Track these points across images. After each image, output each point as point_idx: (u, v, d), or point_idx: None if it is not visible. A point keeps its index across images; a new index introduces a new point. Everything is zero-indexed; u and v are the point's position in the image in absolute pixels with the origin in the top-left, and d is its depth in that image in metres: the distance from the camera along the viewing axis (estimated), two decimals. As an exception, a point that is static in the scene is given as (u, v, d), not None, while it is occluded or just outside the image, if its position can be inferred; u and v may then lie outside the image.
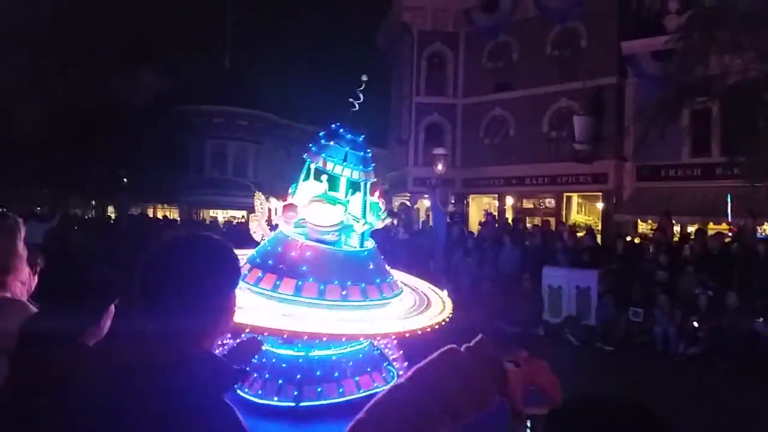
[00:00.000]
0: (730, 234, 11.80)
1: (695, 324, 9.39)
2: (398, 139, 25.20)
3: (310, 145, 5.96)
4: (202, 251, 1.43)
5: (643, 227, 17.77)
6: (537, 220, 18.85)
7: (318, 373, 5.51)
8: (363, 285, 5.55)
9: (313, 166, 5.96)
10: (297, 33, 46.18)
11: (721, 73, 11.50)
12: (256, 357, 5.21)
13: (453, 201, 20.22)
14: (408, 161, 24.24)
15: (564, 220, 19.26)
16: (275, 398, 5.32)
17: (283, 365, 5.58)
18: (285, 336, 5.12)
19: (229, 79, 32.10)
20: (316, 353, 5.62)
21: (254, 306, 5.18)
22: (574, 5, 19.74)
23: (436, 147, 20.06)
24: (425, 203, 22.85)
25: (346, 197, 5.99)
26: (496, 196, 22.72)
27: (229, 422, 1.28)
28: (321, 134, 5.95)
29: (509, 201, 22.23)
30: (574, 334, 10.56)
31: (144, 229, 17.24)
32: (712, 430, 5.83)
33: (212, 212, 31.91)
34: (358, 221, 5.82)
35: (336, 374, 5.54)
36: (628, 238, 14.21)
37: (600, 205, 19.96)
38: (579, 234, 12.96)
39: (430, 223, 16.36)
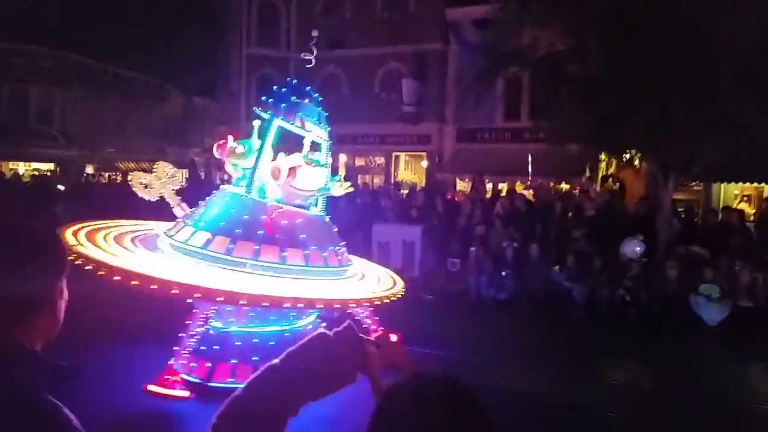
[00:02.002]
0: (530, 192, 13.13)
1: (503, 273, 10.43)
2: (228, 92, 24.15)
3: (277, 101, 5.50)
4: (16, 239, 1.28)
5: (461, 185, 19.14)
6: (368, 178, 19.39)
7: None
8: (334, 248, 5.59)
9: (279, 124, 5.51)
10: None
11: (532, 45, 12.49)
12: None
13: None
14: (239, 115, 23.39)
15: (392, 178, 20.07)
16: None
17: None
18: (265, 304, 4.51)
19: (34, 14, 28.12)
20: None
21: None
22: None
23: (268, 101, 19.47)
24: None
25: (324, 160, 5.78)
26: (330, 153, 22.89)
27: (52, 424, 1.16)
28: (284, 90, 5.56)
29: (342, 158, 22.54)
30: (400, 285, 11.17)
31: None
32: (514, 366, 6.59)
33: (12, 164, 28.19)
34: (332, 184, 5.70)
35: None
36: (448, 196, 15.21)
37: (424, 164, 21.09)
38: (403, 192, 13.58)
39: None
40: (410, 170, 22.41)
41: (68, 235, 4.88)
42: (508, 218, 11.41)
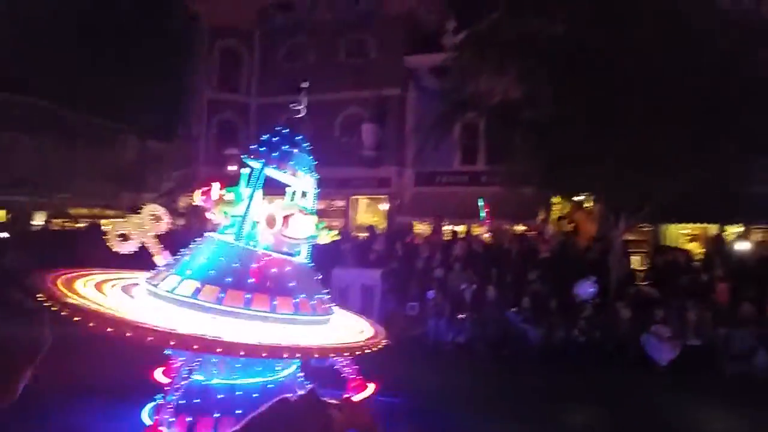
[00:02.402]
0: (487, 235, 13.35)
1: (461, 316, 10.50)
2: (187, 135, 24.07)
3: (269, 150, 5.46)
4: None
5: (421, 228, 19.32)
6: (327, 222, 19.36)
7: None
8: (320, 296, 5.51)
9: (270, 173, 5.53)
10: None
11: (487, 92, 12.90)
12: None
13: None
14: (198, 159, 23.28)
15: (352, 221, 20.14)
16: None
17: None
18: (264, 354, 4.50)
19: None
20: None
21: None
22: (365, 16, 20.74)
23: (229, 146, 19.57)
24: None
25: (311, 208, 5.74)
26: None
27: None
28: (276, 139, 5.54)
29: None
30: (359, 330, 11.11)
31: None
32: (472, 412, 6.58)
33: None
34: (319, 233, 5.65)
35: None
36: (407, 240, 15.32)
37: (384, 207, 21.24)
38: (362, 235, 13.61)
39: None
40: (370, 213, 22.52)
41: (53, 283, 4.79)
42: (467, 261, 11.55)
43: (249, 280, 5.00)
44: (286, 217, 5.27)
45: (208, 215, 5.83)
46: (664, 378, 8.79)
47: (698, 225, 15.47)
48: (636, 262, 12.54)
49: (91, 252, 6.97)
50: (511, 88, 12.40)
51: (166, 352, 5.28)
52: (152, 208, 6.08)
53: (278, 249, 5.39)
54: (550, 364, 9.26)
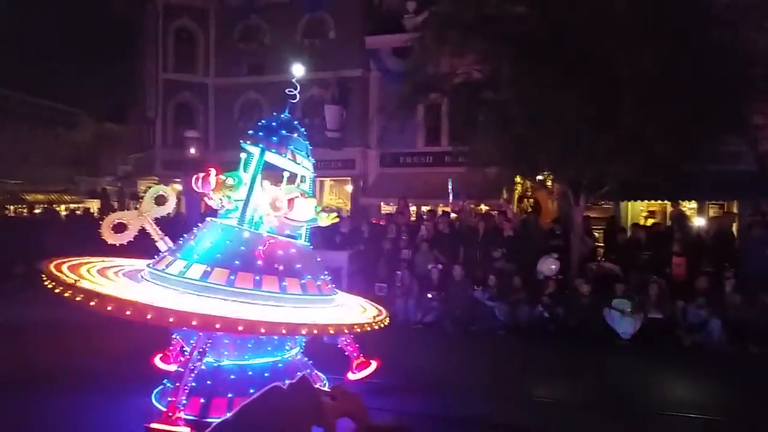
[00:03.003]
0: (453, 215, 13.46)
1: (429, 296, 10.58)
2: (143, 118, 23.42)
3: (267, 135, 5.63)
4: None
5: (386, 209, 19.34)
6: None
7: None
8: (324, 277, 5.81)
9: (270, 157, 5.70)
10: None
11: (449, 73, 12.91)
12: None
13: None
14: (155, 142, 22.69)
15: (318, 203, 19.98)
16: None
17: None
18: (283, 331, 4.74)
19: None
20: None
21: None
22: (323, -5, 20.44)
23: (187, 128, 19.17)
24: (176, 188, 21.66)
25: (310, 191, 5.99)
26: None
27: None
28: (274, 124, 5.68)
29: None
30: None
31: None
32: (441, 388, 6.67)
33: None
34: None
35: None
36: (374, 220, 15.32)
37: (349, 189, 21.17)
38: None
39: (182, 209, 15.61)
40: (335, 195, 22.42)
41: (58, 270, 4.94)
42: (433, 241, 11.63)
43: (257, 263, 5.21)
44: (290, 200, 5.48)
45: (206, 200, 5.95)
46: (627, 350, 9.08)
47: (655, 202, 15.93)
48: (597, 238, 12.81)
49: (50, 238, 6.84)
50: (473, 68, 12.44)
51: (174, 335, 5.65)
52: (157, 189, 6.20)
53: (281, 232, 5.61)
54: (517, 341, 9.45)
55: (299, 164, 5.84)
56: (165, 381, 5.62)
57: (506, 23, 10.71)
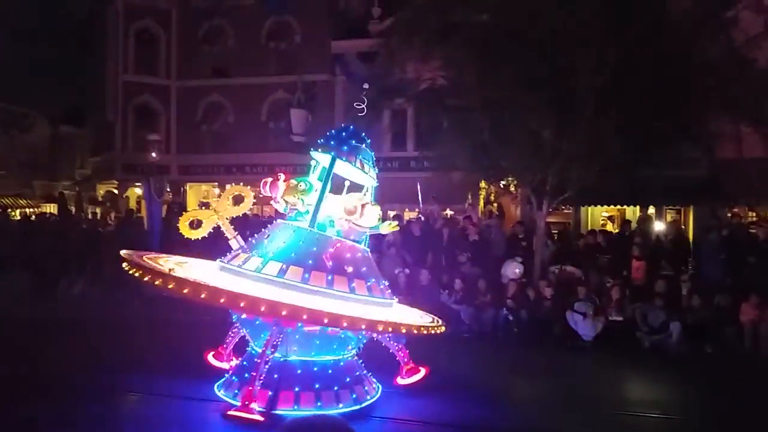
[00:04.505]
0: (420, 217, 13.55)
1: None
2: (102, 120, 22.89)
3: (339, 144, 5.92)
4: None
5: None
6: (257, 209, 19.01)
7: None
8: (385, 282, 6.22)
9: (341, 165, 6.00)
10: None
11: (415, 78, 12.99)
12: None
13: (169, 190, 19.20)
14: (115, 145, 22.19)
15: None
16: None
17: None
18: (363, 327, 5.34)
19: None
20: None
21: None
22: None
23: (149, 131, 18.80)
24: (136, 191, 21.26)
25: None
26: (216, 184, 22.25)
27: None
28: (344, 134, 5.98)
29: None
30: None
31: None
32: (407, 392, 6.68)
33: None
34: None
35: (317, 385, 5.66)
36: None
37: (315, 194, 21.05)
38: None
39: (141, 213, 15.30)
40: (300, 199, 22.28)
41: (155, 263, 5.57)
42: (401, 245, 11.64)
43: (328, 263, 5.55)
44: (363, 206, 5.90)
45: (273, 204, 6.32)
46: (588, 352, 9.24)
47: (613, 207, 16.31)
48: (559, 242, 13.03)
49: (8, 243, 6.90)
50: (437, 74, 12.55)
51: (243, 330, 6.09)
52: (235, 189, 6.64)
53: (347, 236, 5.96)
54: (483, 343, 9.53)
55: (366, 173, 6.11)
56: (229, 374, 6.07)
57: (470, 30, 10.84)
